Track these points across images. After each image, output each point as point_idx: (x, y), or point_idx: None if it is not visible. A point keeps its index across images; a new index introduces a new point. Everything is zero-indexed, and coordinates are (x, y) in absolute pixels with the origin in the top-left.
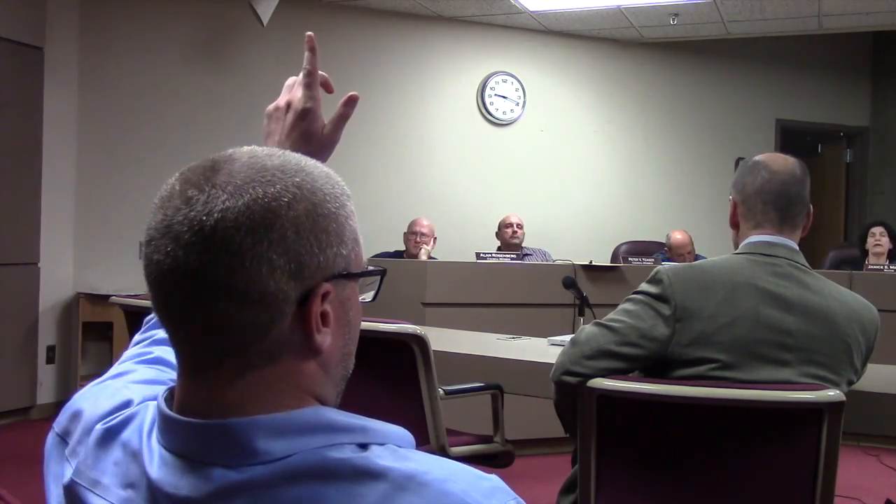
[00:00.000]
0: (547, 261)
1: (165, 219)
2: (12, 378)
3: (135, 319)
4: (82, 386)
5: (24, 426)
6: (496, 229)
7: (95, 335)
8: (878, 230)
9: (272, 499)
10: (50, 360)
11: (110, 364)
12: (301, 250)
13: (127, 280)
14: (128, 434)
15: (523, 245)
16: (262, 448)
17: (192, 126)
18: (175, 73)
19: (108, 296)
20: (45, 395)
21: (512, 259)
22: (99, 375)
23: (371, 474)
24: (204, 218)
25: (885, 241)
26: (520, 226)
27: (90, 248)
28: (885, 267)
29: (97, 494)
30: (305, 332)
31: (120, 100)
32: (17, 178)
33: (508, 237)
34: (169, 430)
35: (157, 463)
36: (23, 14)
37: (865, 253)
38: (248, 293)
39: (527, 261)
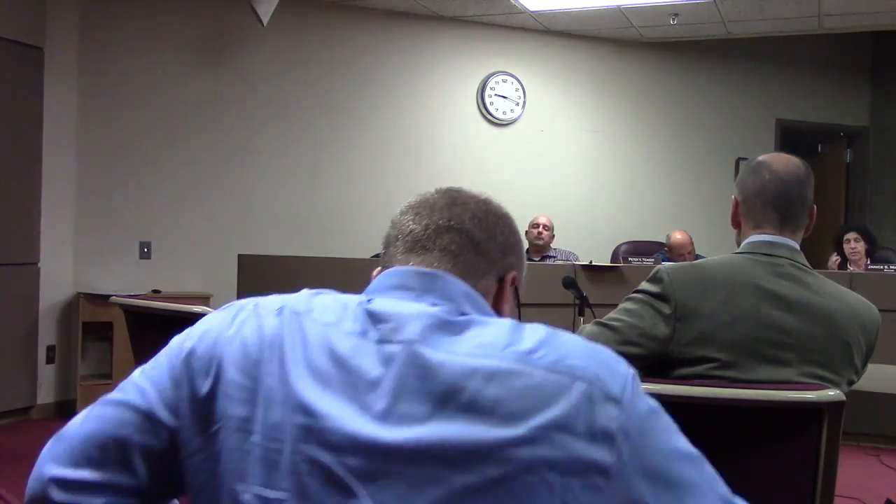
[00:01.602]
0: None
1: (445, 210)
2: (12, 378)
3: (135, 319)
4: (82, 386)
5: (24, 426)
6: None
7: (95, 335)
8: (851, 236)
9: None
10: (50, 360)
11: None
12: (515, 244)
13: (127, 280)
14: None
15: (552, 246)
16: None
17: (192, 126)
18: (175, 72)
19: (108, 296)
20: (45, 395)
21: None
22: (99, 375)
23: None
24: (481, 212)
25: (860, 246)
26: (546, 227)
27: (90, 248)
28: (886, 267)
29: None
30: (498, 294)
31: (120, 100)
32: (17, 178)
33: (533, 237)
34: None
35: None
36: (23, 14)
37: (845, 258)
38: (489, 251)
39: (546, 262)
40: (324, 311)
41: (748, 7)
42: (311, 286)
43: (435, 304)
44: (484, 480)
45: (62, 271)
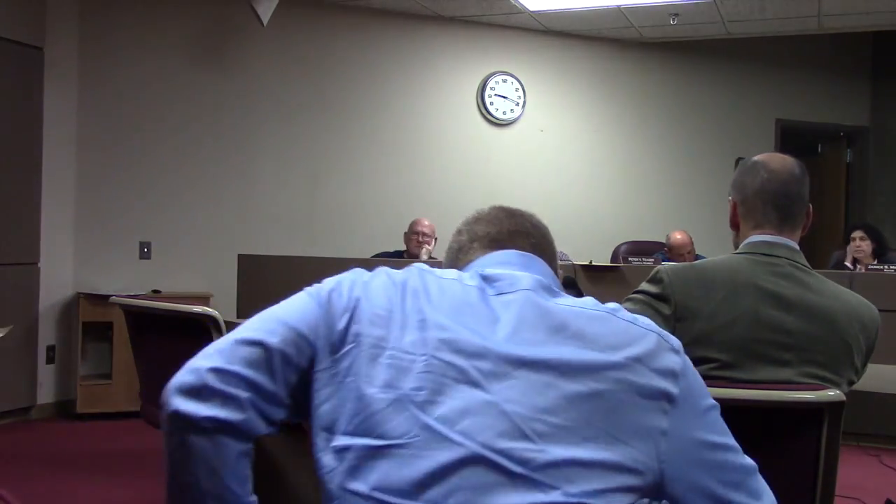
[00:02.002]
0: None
1: (510, 219)
2: (12, 378)
3: (135, 319)
4: (82, 386)
5: (24, 426)
6: None
7: (95, 335)
8: (857, 234)
9: (552, 290)
10: (50, 360)
11: (110, 364)
12: (555, 247)
13: (127, 280)
14: None
15: None
16: None
17: (192, 125)
18: (175, 72)
19: (108, 296)
20: (45, 395)
21: None
22: (99, 375)
23: None
24: (535, 220)
25: (865, 245)
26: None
27: (90, 248)
28: (886, 267)
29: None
30: None
31: (120, 100)
32: (17, 178)
33: None
34: None
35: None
36: (23, 14)
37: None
38: (545, 250)
39: None
40: (443, 272)
41: (748, 7)
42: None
43: (537, 276)
44: (588, 391)
45: (62, 271)
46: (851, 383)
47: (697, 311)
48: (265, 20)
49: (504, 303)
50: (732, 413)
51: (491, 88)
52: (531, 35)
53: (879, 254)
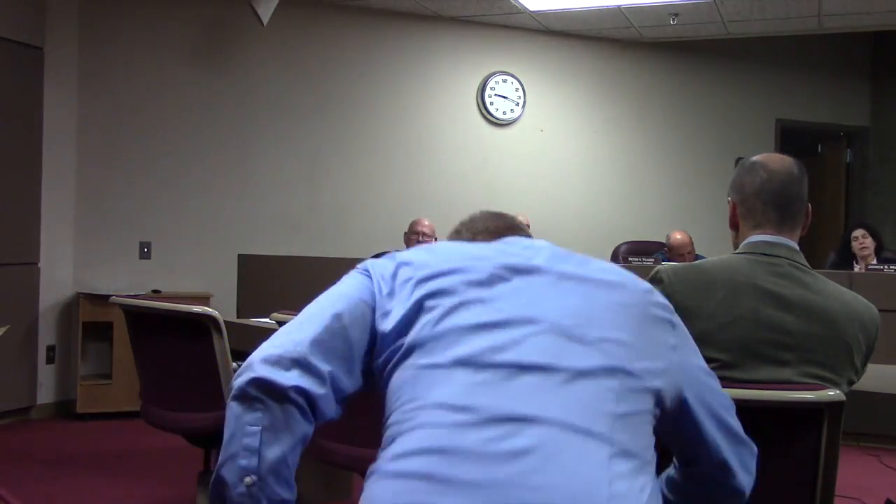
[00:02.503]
0: None
1: (502, 218)
2: (12, 378)
3: (135, 319)
4: (82, 386)
5: (24, 426)
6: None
7: (95, 335)
8: (859, 233)
9: None
10: (50, 360)
11: (110, 364)
12: None
13: (127, 280)
14: None
15: None
16: None
17: (192, 125)
18: (175, 72)
19: (108, 296)
20: (45, 395)
21: None
22: (99, 375)
23: None
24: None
25: (869, 242)
26: (527, 225)
27: (90, 248)
28: (886, 267)
29: None
30: None
31: (120, 100)
32: (17, 178)
33: None
34: None
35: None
36: (23, 14)
37: (853, 256)
38: None
39: None
40: None
41: (748, 7)
42: (311, 286)
43: None
44: (623, 300)
45: (62, 271)
46: (851, 383)
47: (697, 311)
48: (265, 20)
49: (534, 248)
50: None
51: (491, 88)
52: (531, 35)
53: (878, 251)
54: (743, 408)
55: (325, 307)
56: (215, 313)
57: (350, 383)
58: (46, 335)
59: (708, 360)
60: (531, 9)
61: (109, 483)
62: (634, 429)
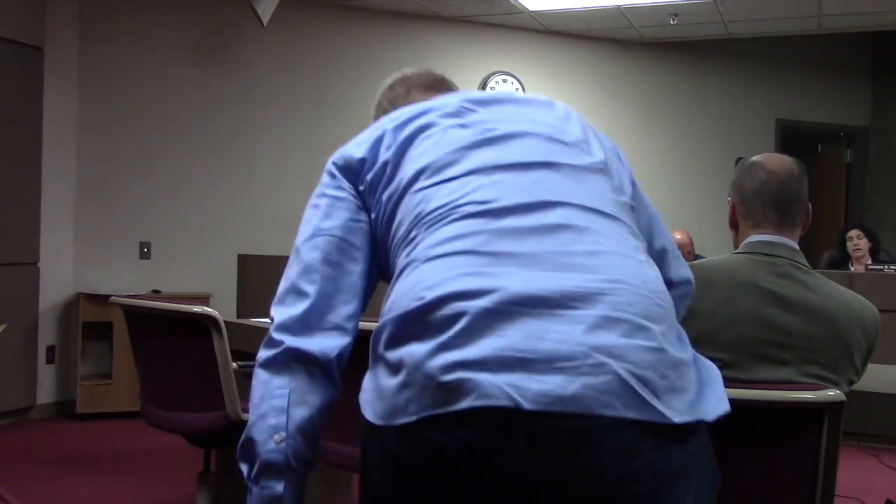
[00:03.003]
0: None
1: (435, 73)
2: (12, 378)
3: (135, 319)
4: (82, 386)
5: (24, 426)
6: None
7: (95, 335)
8: (854, 233)
9: None
10: (50, 360)
11: (110, 364)
12: None
13: (127, 280)
14: None
15: None
16: None
17: (192, 125)
18: (175, 72)
19: (108, 296)
20: (45, 395)
21: None
22: (99, 375)
23: None
24: None
25: (863, 243)
26: None
27: (90, 248)
28: (886, 267)
29: None
30: None
31: (120, 100)
32: (17, 178)
33: None
34: None
35: None
36: (23, 14)
37: (848, 256)
38: None
39: None
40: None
41: (748, 7)
42: None
43: None
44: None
45: (62, 271)
46: (851, 383)
47: (697, 311)
48: (265, 20)
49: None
50: (732, 413)
51: (491, 88)
52: (531, 35)
53: (875, 252)
54: (743, 408)
55: (322, 250)
56: (215, 313)
57: (369, 292)
58: (46, 335)
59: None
60: (531, 9)
61: (109, 483)
62: (630, 217)
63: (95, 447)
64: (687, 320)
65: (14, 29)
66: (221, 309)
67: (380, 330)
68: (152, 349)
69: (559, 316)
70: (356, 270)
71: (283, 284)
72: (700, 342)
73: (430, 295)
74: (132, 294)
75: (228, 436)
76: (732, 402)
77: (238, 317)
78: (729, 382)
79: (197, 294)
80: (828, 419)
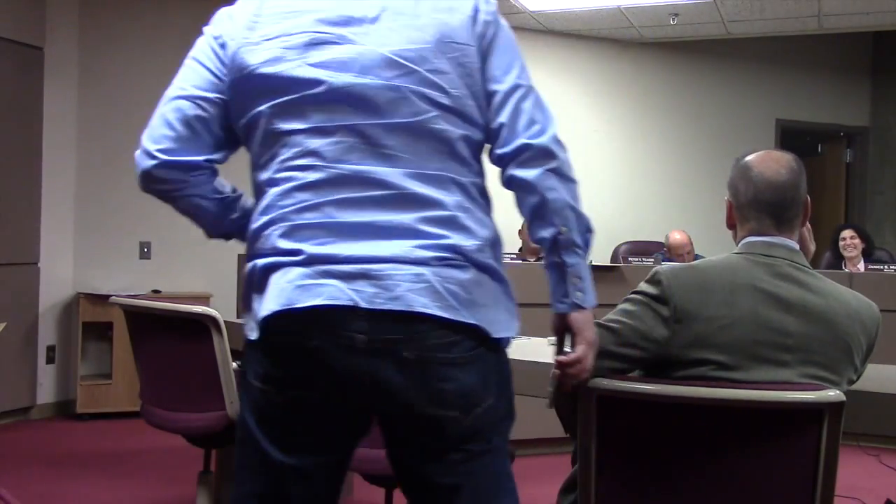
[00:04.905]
0: None
1: None
2: (12, 378)
3: (135, 319)
4: (82, 386)
5: (24, 426)
6: (519, 227)
7: (95, 335)
8: (847, 233)
9: None
10: (50, 360)
11: (110, 364)
12: None
13: (127, 280)
14: None
15: None
16: None
17: None
18: (175, 72)
19: (108, 296)
20: (45, 395)
21: (512, 258)
22: (99, 375)
23: None
24: None
25: (857, 243)
26: None
27: (90, 248)
28: (886, 267)
29: None
30: None
31: (120, 100)
32: (17, 178)
33: (528, 239)
34: None
35: None
36: (23, 14)
37: (840, 256)
38: None
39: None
40: None
41: (748, 7)
42: None
43: None
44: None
45: (62, 271)
46: (851, 382)
47: (696, 313)
48: None
49: None
50: (733, 414)
51: None
52: (531, 35)
53: (868, 252)
54: (743, 408)
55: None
56: (215, 313)
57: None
58: (46, 335)
59: (707, 362)
60: (531, 9)
61: (109, 483)
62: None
63: (95, 447)
64: (686, 322)
65: (14, 29)
66: (221, 309)
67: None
68: (152, 349)
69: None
70: None
71: None
72: (699, 344)
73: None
74: (132, 294)
75: (228, 436)
76: (733, 402)
77: (238, 317)
78: (729, 384)
79: (197, 294)
80: (827, 419)
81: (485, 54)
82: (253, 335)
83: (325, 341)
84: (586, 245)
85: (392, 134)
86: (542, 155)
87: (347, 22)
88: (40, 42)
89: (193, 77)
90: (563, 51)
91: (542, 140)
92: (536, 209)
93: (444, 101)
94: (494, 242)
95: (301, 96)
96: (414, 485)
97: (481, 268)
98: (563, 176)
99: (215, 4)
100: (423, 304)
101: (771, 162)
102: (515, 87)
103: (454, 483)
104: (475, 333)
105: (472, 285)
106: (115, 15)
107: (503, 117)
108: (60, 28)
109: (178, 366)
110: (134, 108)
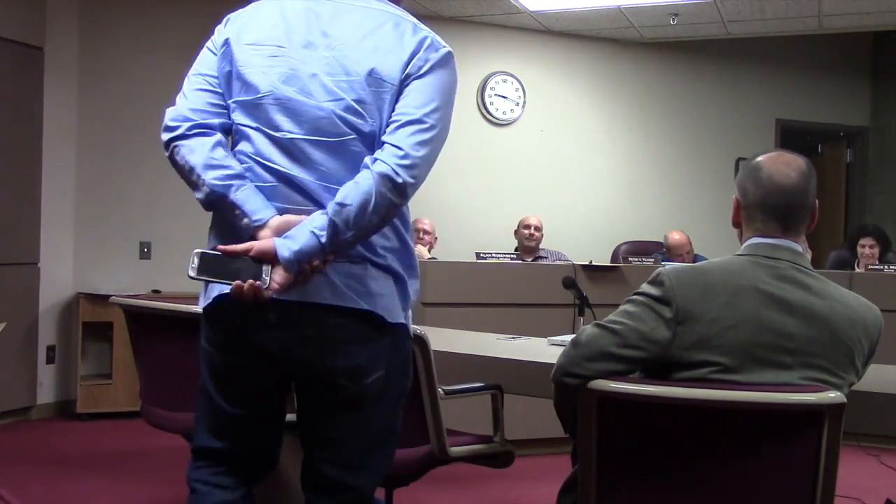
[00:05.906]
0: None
1: None
2: (12, 378)
3: (135, 319)
4: (82, 386)
5: (24, 426)
6: (515, 227)
7: (95, 335)
8: (867, 241)
9: None
10: (50, 360)
11: (110, 364)
12: None
13: (127, 280)
14: None
15: (540, 247)
16: None
17: None
18: (175, 72)
19: (108, 296)
20: (45, 395)
21: (512, 259)
22: (99, 375)
23: None
24: None
25: (875, 252)
26: (538, 228)
27: (90, 248)
28: (886, 267)
29: None
30: None
31: (120, 100)
32: (17, 178)
33: (525, 238)
34: None
35: None
36: (23, 14)
37: (856, 256)
38: None
39: (540, 263)
40: None
41: (748, 7)
42: None
43: None
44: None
45: (62, 271)
46: (851, 384)
47: (699, 315)
48: None
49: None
50: (734, 415)
51: (491, 88)
52: (531, 35)
53: (882, 255)
54: (743, 409)
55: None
56: None
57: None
58: (46, 335)
59: (709, 364)
60: (531, 9)
61: (109, 483)
62: None
63: (95, 447)
64: (688, 323)
65: (14, 29)
66: None
67: None
68: (152, 349)
69: None
70: None
71: None
72: (701, 346)
73: None
74: (132, 294)
75: None
76: (733, 404)
77: None
78: (730, 386)
79: (197, 294)
80: (828, 421)
81: (406, 90)
82: (202, 305)
83: (246, 320)
84: (336, 234)
85: (315, 148)
86: (386, 174)
87: (307, 45)
88: (40, 42)
89: None
90: (563, 51)
91: (397, 163)
92: (350, 186)
93: (363, 127)
94: (395, 249)
95: (256, 98)
96: (311, 439)
97: (380, 267)
98: (382, 195)
99: (215, 6)
100: (323, 297)
101: (782, 165)
102: (420, 120)
103: (342, 436)
104: (371, 318)
105: (369, 280)
106: (115, 15)
107: (391, 128)
108: (60, 28)
109: (178, 366)
110: (134, 107)
